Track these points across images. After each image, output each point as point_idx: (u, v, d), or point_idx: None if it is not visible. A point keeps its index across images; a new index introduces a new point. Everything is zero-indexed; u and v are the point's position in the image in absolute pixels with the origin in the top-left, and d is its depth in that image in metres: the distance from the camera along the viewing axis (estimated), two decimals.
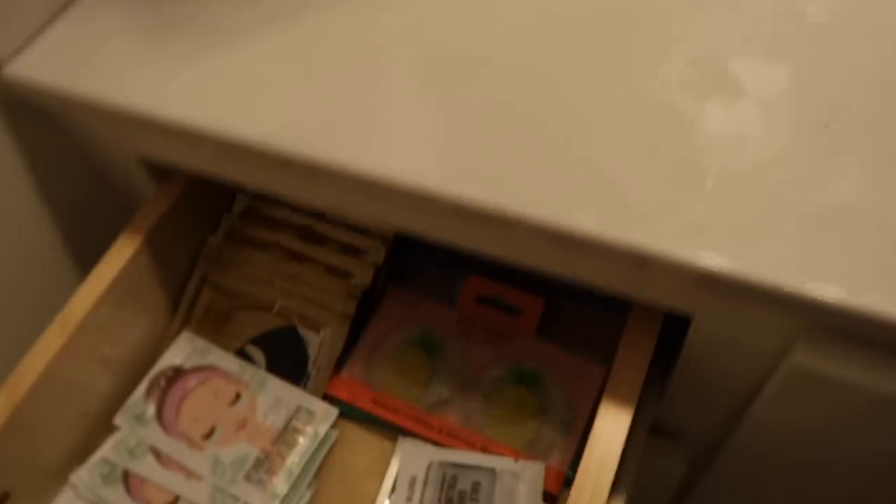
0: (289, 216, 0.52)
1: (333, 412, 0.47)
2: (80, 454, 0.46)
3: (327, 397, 0.48)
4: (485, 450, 0.45)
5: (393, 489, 0.44)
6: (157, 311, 0.50)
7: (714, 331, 0.39)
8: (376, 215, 0.43)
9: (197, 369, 0.48)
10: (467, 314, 0.50)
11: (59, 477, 0.45)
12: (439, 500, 0.43)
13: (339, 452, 0.47)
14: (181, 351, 0.49)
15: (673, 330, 0.43)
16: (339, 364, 0.49)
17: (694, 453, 0.51)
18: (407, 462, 0.45)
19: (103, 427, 0.47)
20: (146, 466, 0.45)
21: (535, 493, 0.42)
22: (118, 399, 0.48)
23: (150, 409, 0.47)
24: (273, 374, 0.48)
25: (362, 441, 0.47)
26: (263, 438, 0.45)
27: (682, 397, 0.46)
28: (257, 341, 0.49)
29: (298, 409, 0.47)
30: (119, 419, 0.46)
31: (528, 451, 0.45)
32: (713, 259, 0.33)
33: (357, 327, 0.50)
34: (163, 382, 0.48)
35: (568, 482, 0.44)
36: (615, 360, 0.41)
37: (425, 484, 0.44)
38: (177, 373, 0.48)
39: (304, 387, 0.48)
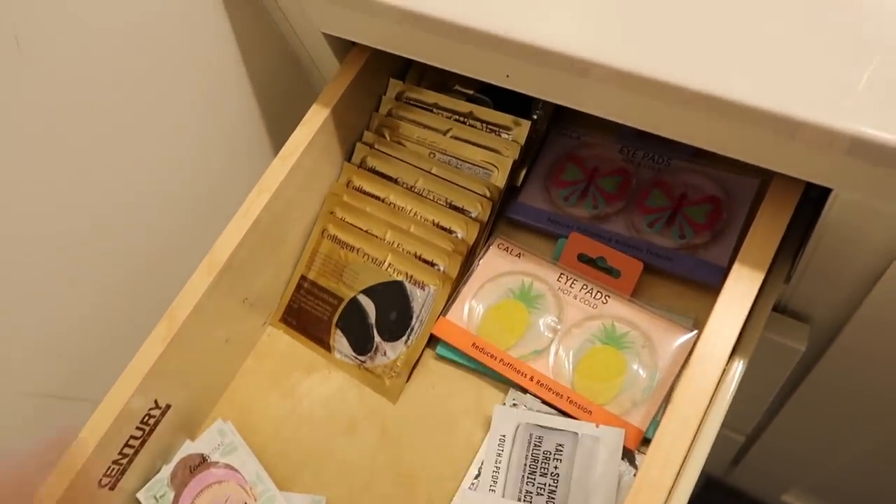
0: (400, 171, 0.56)
1: None
2: (227, 375, 0.55)
3: (432, 338, 0.53)
4: (571, 402, 0.48)
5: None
6: (285, 255, 0.56)
7: (852, 206, 0.40)
8: (539, 88, 0.45)
9: (218, 467, 0.51)
10: (567, 270, 0.53)
11: (209, 396, 0.54)
12: (526, 457, 0.48)
13: (439, 393, 0.52)
14: (212, 441, 0.51)
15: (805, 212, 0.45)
16: (445, 307, 0.53)
17: (817, 334, 0.55)
18: (498, 422, 0.49)
19: (244, 349, 0.55)
20: None
21: (614, 456, 0.46)
22: (254, 329, 0.56)
23: (170, 495, 0.50)
24: (381, 322, 0.53)
25: (461, 382, 0.52)
26: None
27: (810, 277, 0.49)
28: (368, 292, 0.55)
29: None
30: (141, 495, 0.50)
31: (611, 407, 0.48)
32: (868, 128, 0.34)
33: (464, 271, 0.54)
34: (187, 471, 0.50)
35: (646, 441, 0.47)
36: (751, 228, 0.43)
37: (514, 442, 0.48)
38: (201, 463, 0.51)
39: (408, 338, 0.53)
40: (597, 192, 0.54)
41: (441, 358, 0.53)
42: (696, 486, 0.43)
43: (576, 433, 0.47)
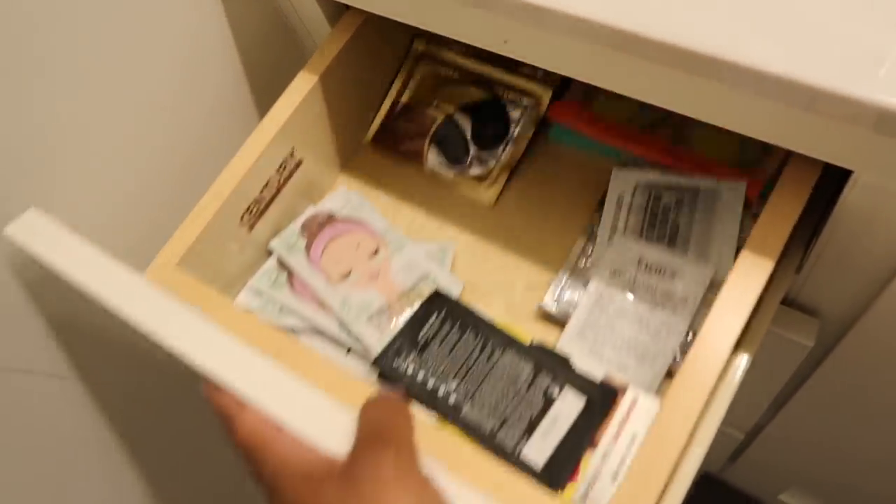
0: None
1: (458, 287, 0.50)
2: (352, 147, 0.57)
3: (545, 121, 0.54)
4: (693, 164, 0.48)
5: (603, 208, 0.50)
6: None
7: (874, 190, 0.37)
8: (540, 58, 0.42)
9: (347, 220, 0.53)
10: None
11: (334, 165, 0.56)
12: (645, 213, 0.48)
13: (553, 174, 0.54)
14: (338, 200, 0.54)
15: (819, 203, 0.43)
16: (558, 95, 0.54)
17: (826, 329, 0.52)
18: (616, 184, 0.50)
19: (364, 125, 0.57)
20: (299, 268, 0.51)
21: (734, 209, 0.46)
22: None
23: (302, 244, 0.52)
24: (477, 135, 0.55)
25: (577, 161, 0.53)
26: (391, 292, 0.49)
27: (822, 268, 0.46)
28: (465, 108, 0.56)
29: (426, 277, 0.50)
30: (275, 243, 0.52)
31: (733, 166, 0.48)
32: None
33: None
34: (316, 224, 0.53)
35: (763, 195, 0.46)
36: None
37: (632, 202, 0.49)
38: (329, 219, 0.53)
39: (505, 147, 0.54)
40: None
41: (555, 141, 0.54)
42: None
43: (696, 187, 0.48)
